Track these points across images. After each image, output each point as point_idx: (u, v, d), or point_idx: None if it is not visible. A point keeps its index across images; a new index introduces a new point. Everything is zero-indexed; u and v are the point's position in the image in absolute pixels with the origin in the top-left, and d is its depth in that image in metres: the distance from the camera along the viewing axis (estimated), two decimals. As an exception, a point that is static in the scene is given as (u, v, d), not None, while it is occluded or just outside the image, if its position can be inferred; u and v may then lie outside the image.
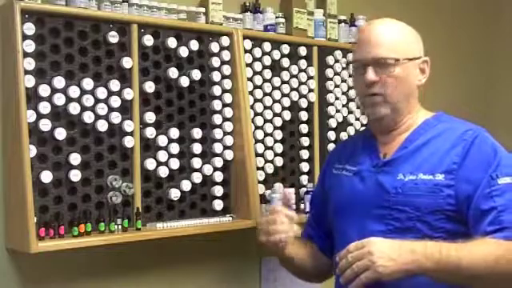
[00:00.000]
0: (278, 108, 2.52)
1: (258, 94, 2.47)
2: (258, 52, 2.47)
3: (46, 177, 1.95)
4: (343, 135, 2.72)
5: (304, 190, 2.56)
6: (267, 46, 2.50)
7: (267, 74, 2.50)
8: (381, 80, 1.67)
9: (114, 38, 2.09)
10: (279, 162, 2.53)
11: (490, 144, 1.66)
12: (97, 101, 2.06)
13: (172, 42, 2.23)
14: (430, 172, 1.63)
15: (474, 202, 1.59)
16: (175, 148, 2.24)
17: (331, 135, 2.69)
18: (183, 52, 2.26)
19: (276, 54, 2.52)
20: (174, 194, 2.23)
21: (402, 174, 1.65)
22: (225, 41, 2.36)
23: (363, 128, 2.73)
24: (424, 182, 1.62)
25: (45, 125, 1.95)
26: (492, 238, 1.55)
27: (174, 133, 2.24)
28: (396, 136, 1.73)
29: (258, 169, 2.45)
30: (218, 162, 2.35)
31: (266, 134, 2.50)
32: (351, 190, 1.74)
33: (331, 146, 2.67)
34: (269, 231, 1.76)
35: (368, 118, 1.80)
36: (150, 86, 2.17)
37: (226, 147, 2.37)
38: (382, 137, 1.76)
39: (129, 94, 2.12)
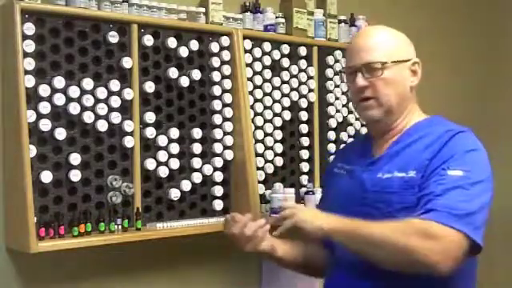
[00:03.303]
0: (278, 108, 2.52)
1: (258, 94, 2.47)
2: (258, 52, 2.47)
3: (46, 177, 1.95)
4: (343, 135, 2.72)
5: (304, 190, 2.56)
6: (267, 46, 2.50)
7: (267, 73, 2.50)
8: (371, 84, 1.71)
9: (113, 38, 2.09)
10: (279, 161, 2.53)
11: (464, 142, 1.65)
12: (97, 101, 2.06)
13: (172, 42, 2.23)
14: (404, 169, 1.66)
15: (420, 189, 1.61)
16: (175, 148, 2.24)
17: (331, 135, 2.69)
18: (183, 52, 2.26)
19: (276, 54, 2.52)
20: (174, 194, 2.23)
21: (381, 172, 1.69)
22: (225, 41, 2.36)
23: (363, 128, 2.74)
24: (397, 179, 1.65)
25: (45, 125, 1.95)
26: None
27: (174, 133, 2.24)
28: (389, 138, 1.77)
29: (258, 169, 2.45)
30: (218, 162, 2.35)
31: (266, 134, 2.50)
32: (341, 188, 1.80)
33: (331, 146, 2.67)
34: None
35: (365, 122, 1.85)
36: (150, 86, 2.17)
37: (225, 147, 2.37)
38: (377, 139, 1.81)
39: (129, 94, 2.12)
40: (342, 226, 1.61)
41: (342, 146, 2.67)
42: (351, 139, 2.72)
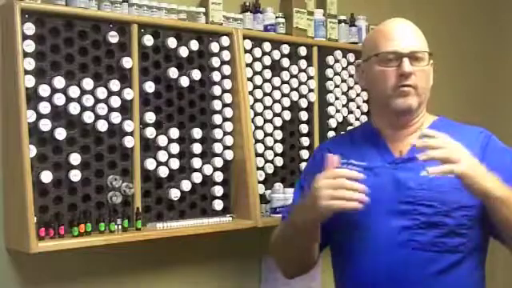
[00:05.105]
0: (278, 108, 2.52)
1: (258, 94, 2.47)
2: (258, 52, 2.47)
3: (46, 177, 1.95)
4: (343, 135, 2.72)
5: (304, 190, 2.56)
6: (267, 46, 2.50)
7: (267, 74, 2.50)
8: (414, 72, 1.70)
9: (113, 38, 2.09)
10: (279, 162, 2.53)
11: (500, 142, 1.79)
12: (97, 101, 2.06)
13: (172, 42, 2.23)
14: None
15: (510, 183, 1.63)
16: (175, 148, 2.24)
17: (331, 135, 2.69)
18: (183, 52, 2.26)
19: (276, 54, 2.52)
20: (174, 194, 2.23)
21: (424, 171, 1.63)
22: (225, 41, 2.36)
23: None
24: (449, 179, 1.61)
25: (45, 125, 1.95)
26: None
27: (174, 133, 2.24)
28: (407, 135, 1.76)
29: (258, 169, 2.45)
30: (218, 162, 2.35)
31: (266, 134, 2.50)
32: (365, 185, 1.70)
33: (331, 146, 2.67)
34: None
35: (393, 110, 1.73)
36: (150, 86, 2.17)
37: (225, 147, 2.37)
38: (391, 134, 1.77)
39: (129, 94, 2.12)
40: (504, 192, 1.58)
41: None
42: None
